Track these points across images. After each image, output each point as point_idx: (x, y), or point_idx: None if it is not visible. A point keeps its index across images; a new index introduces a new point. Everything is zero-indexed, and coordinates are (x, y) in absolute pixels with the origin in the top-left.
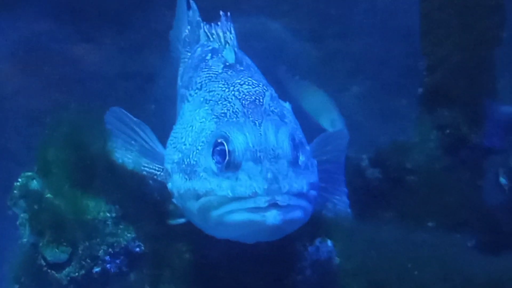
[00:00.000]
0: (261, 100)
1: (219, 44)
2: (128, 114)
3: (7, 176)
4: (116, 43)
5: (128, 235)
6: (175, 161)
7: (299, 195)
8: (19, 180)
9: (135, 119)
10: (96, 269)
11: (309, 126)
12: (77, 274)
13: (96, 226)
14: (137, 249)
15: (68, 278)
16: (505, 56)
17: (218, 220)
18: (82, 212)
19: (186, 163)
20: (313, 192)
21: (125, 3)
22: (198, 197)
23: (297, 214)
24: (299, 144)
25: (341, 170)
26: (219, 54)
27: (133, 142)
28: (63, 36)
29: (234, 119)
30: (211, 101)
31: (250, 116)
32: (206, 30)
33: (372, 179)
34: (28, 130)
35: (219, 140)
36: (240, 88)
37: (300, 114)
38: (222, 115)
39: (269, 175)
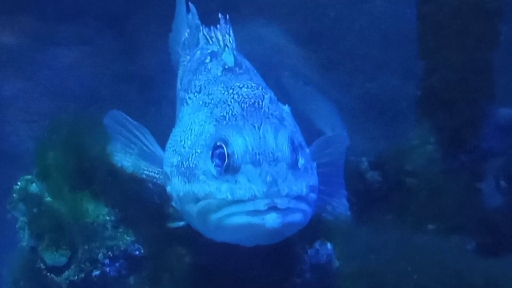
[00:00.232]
0: (261, 103)
1: (218, 47)
2: (128, 117)
3: (7, 180)
4: (115, 46)
5: (128, 238)
6: (174, 164)
7: (299, 198)
8: (19, 183)
9: (134, 122)
10: (96, 273)
11: (309, 129)
12: (76, 277)
13: (95, 229)
14: (137, 252)
15: (67, 281)
16: (503, 59)
17: (218, 223)
18: (82, 215)
19: (185, 166)
20: (312, 195)
21: (124, 5)
22: (197, 200)
23: (297, 217)
24: (298, 147)
25: (341, 173)
26: (218, 57)
27: (132, 145)
28: (62, 39)
29: (234, 122)
30: (210, 104)
31: (249, 119)
32: (205, 33)
33: (372, 182)
34: (27, 133)
35: (218, 143)
36: (240, 91)
37: (300, 117)
38: (222, 118)
39: (269, 178)
